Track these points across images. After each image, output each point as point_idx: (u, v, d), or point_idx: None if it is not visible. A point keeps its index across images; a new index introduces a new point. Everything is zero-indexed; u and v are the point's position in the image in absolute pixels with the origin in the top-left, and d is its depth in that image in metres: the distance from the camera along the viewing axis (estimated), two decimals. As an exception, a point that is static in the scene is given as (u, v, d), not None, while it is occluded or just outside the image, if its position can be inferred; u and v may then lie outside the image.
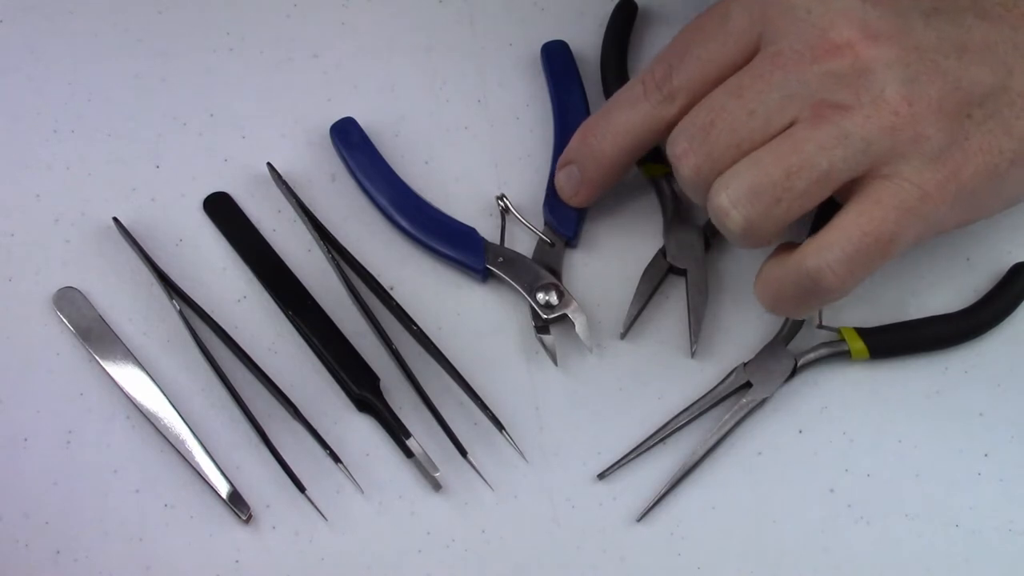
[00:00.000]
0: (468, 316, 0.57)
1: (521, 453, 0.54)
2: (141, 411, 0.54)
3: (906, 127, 0.47)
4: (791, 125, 0.48)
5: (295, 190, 0.58)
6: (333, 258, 0.57)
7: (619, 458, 0.54)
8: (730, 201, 0.49)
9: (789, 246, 0.50)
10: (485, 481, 0.54)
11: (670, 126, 0.52)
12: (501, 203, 0.59)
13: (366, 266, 0.57)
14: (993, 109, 0.49)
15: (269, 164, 0.58)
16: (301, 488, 0.53)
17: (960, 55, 0.48)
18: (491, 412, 0.54)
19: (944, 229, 0.50)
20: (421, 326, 0.56)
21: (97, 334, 0.56)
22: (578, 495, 0.54)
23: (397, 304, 0.57)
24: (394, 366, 0.56)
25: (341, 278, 0.57)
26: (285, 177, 0.58)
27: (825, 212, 0.49)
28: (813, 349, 0.56)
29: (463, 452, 0.54)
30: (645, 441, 0.55)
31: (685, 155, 0.50)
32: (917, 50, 0.48)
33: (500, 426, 0.54)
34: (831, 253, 0.47)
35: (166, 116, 0.60)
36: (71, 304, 0.56)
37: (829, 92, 0.48)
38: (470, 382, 0.55)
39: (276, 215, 0.59)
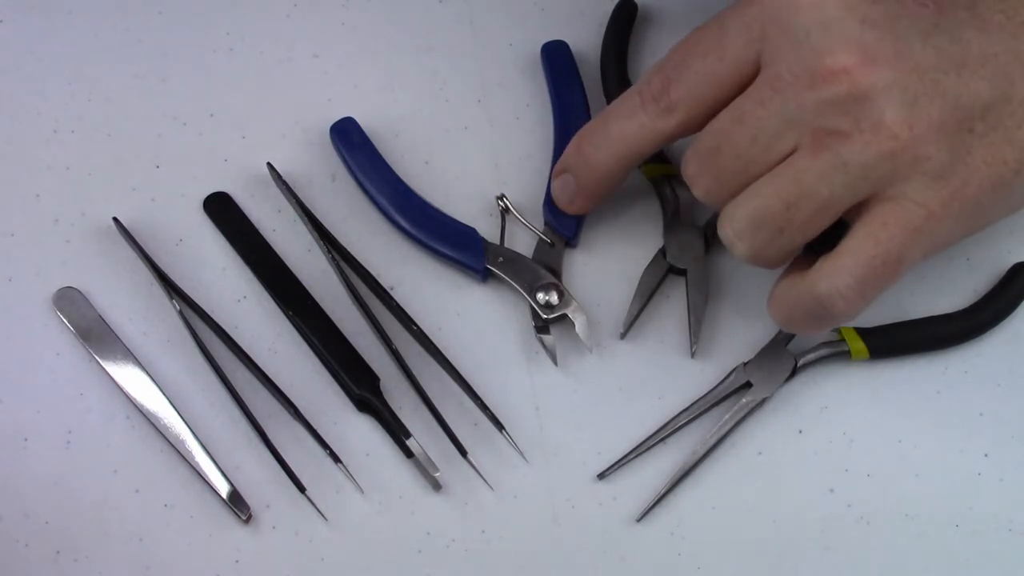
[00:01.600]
0: (468, 316, 0.57)
1: (521, 453, 0.54)
2: (141, 411, 0.54)
3: (907, 150, 0.47)
4: (794, 150, 0.48)
5: (295, 190, 0.58)
6: (333, 258, 0.57)
7: (619, 458, 0.54)
8: (735, 233, 0.50)
9: (801, 265, 0.50)
10: (485, 481, 0.54)
11: (667, 138, 0.52)
12: (501, 203, 0.59)
13: (366, 266, 0.57)
14: (995, 121, 0.48)
15: (269, 164, 0.58)
16: (301, 488, 0.53)
17: (960, 71, 0.48)
18: (491, 412, 0.54)
19: (951, 243, 0.50)
20: (421, 326, 0.56)
21: (97, 334, 0.56)
22: (578, 495, 0.54)
23: (397, 304, 0.57)
24: (394, 366, 0.56)
25: (341, 278, 0.57)
26: (285, 177, 0.58)
27: (832, 228, 0.49)
28: (813, 349, 0.56)
29: (463, 452, 0.54)
30: (645, 441, 0.55)
31: (696, 178, 0.51)
32: (916, 71, 0.48)
33: (500, 426, 0.54)
34: (841, 279, 0.48)
35: (166, 116, 0.60)
36: (71, 304, 0.56)
37: (826, 120, 0.47)
38: (470, 382, 0.55)
39: (276, 215, 0.59)
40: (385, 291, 0.57)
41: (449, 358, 0.55)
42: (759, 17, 0.49)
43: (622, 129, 0.53)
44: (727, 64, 0.50)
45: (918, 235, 0.48)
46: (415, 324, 0.56)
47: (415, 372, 0.55)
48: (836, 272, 0.48)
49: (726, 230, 0.50)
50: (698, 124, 0.51)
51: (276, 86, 0.61)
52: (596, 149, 0.54)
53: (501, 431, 0.54)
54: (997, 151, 0.48)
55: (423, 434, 0.54)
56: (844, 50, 0.47)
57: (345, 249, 0.58)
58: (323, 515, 0.53)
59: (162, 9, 0.63)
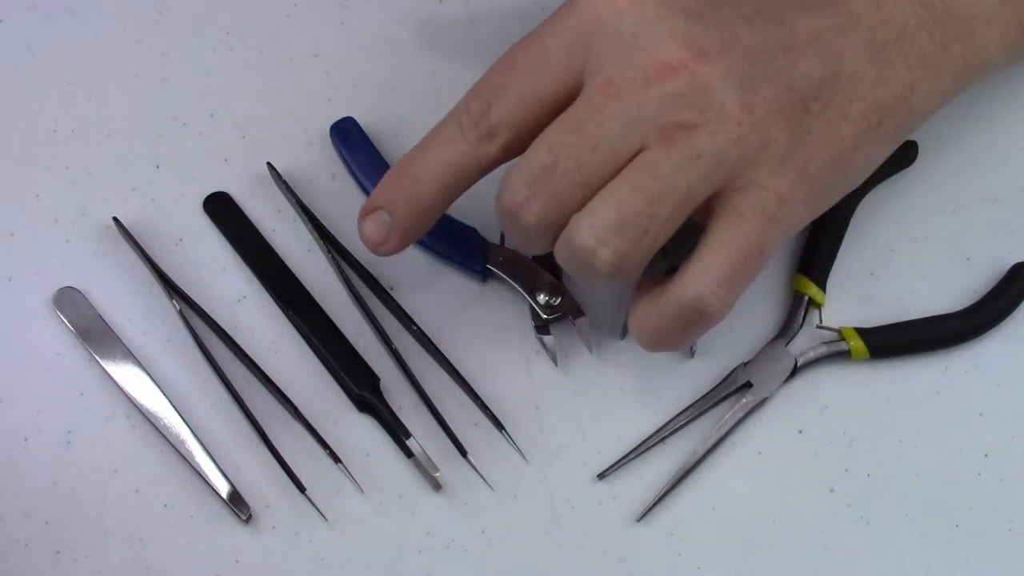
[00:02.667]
0: (468, 316, 0.57)
1: (521, 452, 0.54)
2: (141, 411, 0.54)
3: (751, 135, 0.47)
4: (638, 153, 0.47)
5: (295, 190, 0.58)
6: (333, 258, 0.57)
7: (619, 458, 0.54)
8: (596, 239, 0.47)
9: (650, 284, 0.50)
10: (485, 481, 0.54)
11: (492, 164, 0.50)
12: (501, 203, 0.59)
13: (366, 266, 0.57)
14: (828, 99, 0.48)
15: (269, 164, 0.58)
16: (301, 488, 0.53)
17: (788, 52, 0.48)
18: (491, 412, 0.54)
19: (803, 225, 0.50)
20: (421, 326, 0.56)
21: (97, 334, 0.56)
22: (578, 495, 0.54)
23: (397, 304, 0.57)
24: (394, 366, 0.56)
25: (341, 278, 0.57)
26: (285, 177, 0.58)
27: (676, 237, 0.48)
28: (813, 349, 0.56)
29: (463, 452, 0.54)
30: (645, 441, 0.55)
31: (528, 202, 0.48)
32: (747, 57, 0.48)
33: (500, 426, 0.54)
34: (710, 278, 0.47)
35: (166, 116, 0.60)
36: (71, 304, 0.56)
37: (672, 113, 0.47)
38: (470, 382, 0.55)
39: (276, 215, 0.59)
40: (385, 291, 0.57)
41: (449, 358, 0.55)
42: (579, 29, 0.48)
43: (443, 159, 0.50)
44: (549, 80, 0.49)
45: (774, 222, 0.48)
46: (415, 324, 0.56)
47: (415, 372, 0.55)
48: (703, 273, 0.47)
49: (583, 237, 0.47)
50: (523, 146, 0.49)
51: (276, 86, 0.61)
52: (415, 183, 0.51)
53: (501, 431, 0.54)
54: (835, 128, 0.48)
55: (423, 434, 0.54)
56: (676, 45, 0.47)
57: (345, 249, 0.58)
58: (323, 515, 0.53)
59: (162, 9, 0.63)
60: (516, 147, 0.49)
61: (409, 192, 0.51)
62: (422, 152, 0.51)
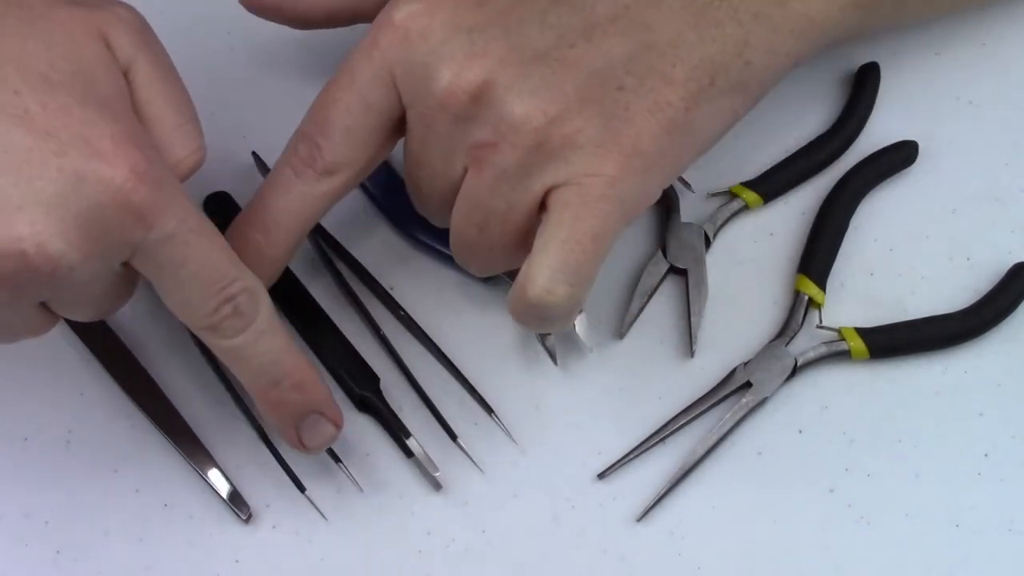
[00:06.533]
0: (468, 316, 0.57)
1: (512, 438, 0.54)
2: (141, 411, 0.54)
3: (552, 134, 0.47)
4: (465, 174, 0.49)
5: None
6: (333, 258, 0.57)
7: (619, 458, 0.54)
8: (461, 262, 0.52)
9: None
10: (475, 464, 0.54)
11: (336, 198, 0.51)
12: (501, 203, 0.59)
13: (366, 266, 0.57)
14: (644, 70, 0.49)
15: (254, 153, 0.58)
16: (301, 488, 0.53)
17: (589, 36, 0.48)
18: (482, 397, 0.55)
19: (651, 196, 0.50)
20: (421, 326, 0.56)
21: (97, 334, 0.56)
22: (578, 495, 0.54)
23: (397, 304, 0.57)
24: (394, 366, 0.56)
25: (340, 278, 0.57)
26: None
27: None
28: (813, 349, 0.56)
29: (453, 436, 0.54)
30: (645, 441, 0.55)
31: (428, 216, 0.53)
32: (536, 58, 0.48)
33: (489, 409, 0.55)
34: (543, 276, 0.47)
35: (166, 116, 0.60)
36: (71, 304, 0.56)
37: (472, 135, 0.48)
38: (471, 382, 0.55)
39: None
40: (385, 291, 0.57)
41: (449, 357, 0.56)
42: (382, 63, 0.49)
43: (284, 206, 0.51)
44: (373, 114, 0.50)
45: (604, 202, 0.48)
46: (415, 323, 0.56)
47: (415, 372, 0.55)
48: (537, 272, 0.47)
49: (456, 257, 0.52)
50: (365, 172, 0.51)
51: (276, 85, 0.61)
52: (265, 234, 0.51)
53: (490, 414, 0.55)
54: (659, 96, 0.49)
55: (423, 434, 0.54)
56: (459, 66, 0.48)
57: (345, 249, 0.58)
58: (323, 515, 0.53)
59: (162, 9, 0.63)
60: (355, 180, 0.51)
61: (260, 246, 0.51)
62: (261, 203, 0.51)
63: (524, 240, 0.49)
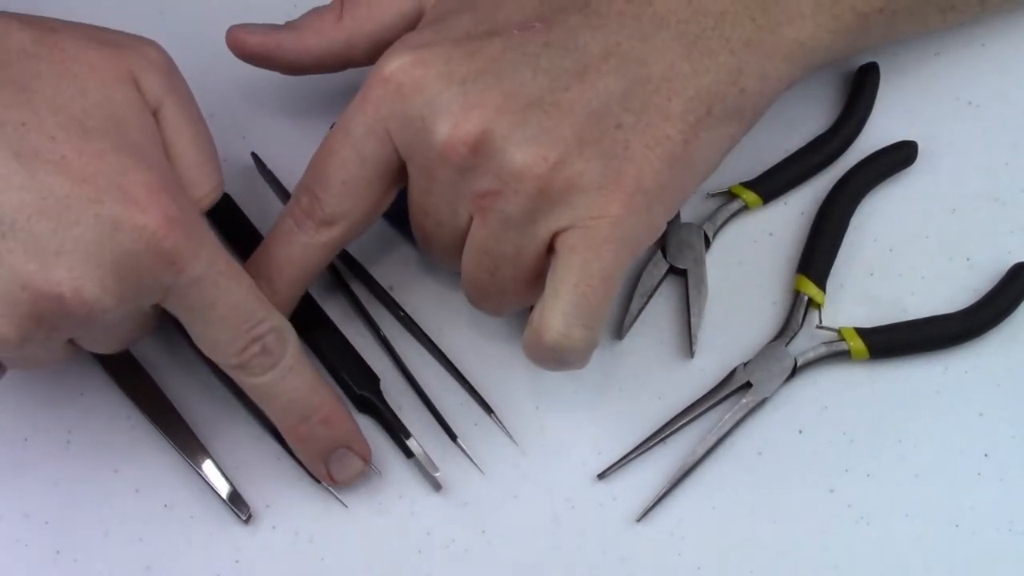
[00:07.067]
0: (468, 316, 0.57)
1: (512, 438, 0.54)
2: (141, 411, 0.54)
3: (554, 180, 0.47)
4: (471, 221, 0.49)
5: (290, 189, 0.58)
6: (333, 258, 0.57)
7: (619, 458, 0.54)
8: (471, 303, 0.52)
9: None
10: (474, 464, 0.54)
11: (337, 247, 0.52)
12: (501, 203, 0.59)
13: (366, 266, 0.57)
14: (641, 105, 0.49)
15: (254, 154, 0.58)
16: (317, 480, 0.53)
17: (582, 77, 0.48)
18: (481, 397, 0.55)
19: (658, 230, 0.50)
20: (421, 326, 0.56)
21: (97, 334, 0.56)
22: (578, 495, 0.54)
23: (397, 304, 0.57)
24: (394, 366, 0.56)
25: (340, 278, 0.57)
26: (286, 176, 0.58)
27: None
28: (813, 349, 0.56)
29: (453, 436, 0.54)
30: (645, 441, 0.55)
31: (436, 262, 0.54)
32: (531, 104, 0.48)
33: (489, 409, 0.55)
34: (558, 322, 0.48)
35: (166, 116, 0.60)
36: (71, 304, 0.56)
37: (474, 185, 0.48)
38: (472, 382, 0.55)
39: (276, 215, 0.59)
40: (385, 291, 0.57)
41: (449, 357, 0.56)
42: (376, 116, 0.49)
43: (287, 256, 0.52)
44: (369, 167, 0.50)
45: (611, 243, 0.48)
46: (415, 323, 0.56)
47: (415, 372, 0.55)
48: (551, 318, 0.48)
49: (469, 300, 0.53)
50: (365, 224, 0.52)
51: (277, 86, 0.61)
52: (268, 283, 0.52)
53: (490, 414, 0.55)
54: (657, 131, 0.49)
55: (423, 434, 0.54)
56: (453, 117, 0.48)
57: (344, 249, 0.58)
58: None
59: (162, 9, 0.63)
60: (356, 230, 0.52)
61: (265, 294, 0.51)
62: (265, 253, 0.52)
63: (536, 280, 0.50)
